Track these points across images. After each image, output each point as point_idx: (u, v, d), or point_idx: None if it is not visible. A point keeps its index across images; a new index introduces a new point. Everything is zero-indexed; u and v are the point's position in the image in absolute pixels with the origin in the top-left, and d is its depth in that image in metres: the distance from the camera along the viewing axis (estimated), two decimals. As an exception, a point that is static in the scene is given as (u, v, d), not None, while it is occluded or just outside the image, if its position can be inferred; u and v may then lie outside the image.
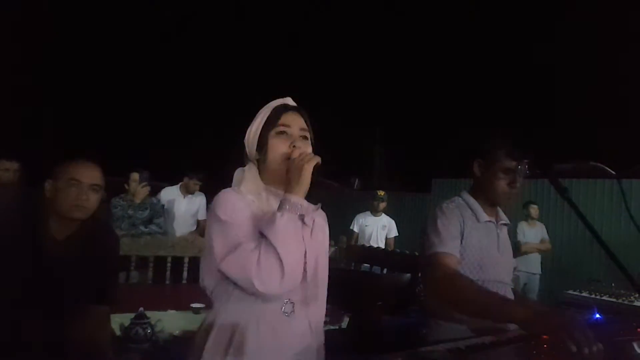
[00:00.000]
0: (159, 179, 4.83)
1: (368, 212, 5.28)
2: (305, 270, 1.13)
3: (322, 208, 1.33)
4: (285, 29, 11.28)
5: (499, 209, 1.76)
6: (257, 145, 1.22)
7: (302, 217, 1.10)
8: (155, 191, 4.30)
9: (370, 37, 11.28)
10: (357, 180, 1.11)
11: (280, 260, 1.04)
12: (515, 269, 3.90)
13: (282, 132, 1.19)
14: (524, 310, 1.24)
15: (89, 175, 1.55)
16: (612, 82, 7.59)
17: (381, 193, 5.24)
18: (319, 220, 1.24)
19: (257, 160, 1.23)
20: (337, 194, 1.33)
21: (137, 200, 3.82)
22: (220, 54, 11.75)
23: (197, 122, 11.24)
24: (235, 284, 1.09)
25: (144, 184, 3.89)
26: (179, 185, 4.57)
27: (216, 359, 1.12)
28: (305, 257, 1.11)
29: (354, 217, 5.34)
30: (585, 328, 1.06)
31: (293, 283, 1.10)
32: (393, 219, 5.35)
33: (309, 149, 1.21)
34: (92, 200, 1.55)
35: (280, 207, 1.10)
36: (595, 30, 7.87)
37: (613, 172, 1.29)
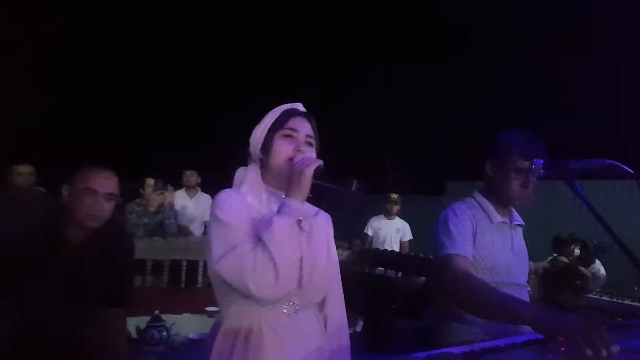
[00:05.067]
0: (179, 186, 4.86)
1: (382, 216, 5.26)
2: (301, 274, 1.12)
3: (335, 211, 1.33)
4: (296, 26, 11.31)
5: (513, 210, 1.74)
6: (262, 146, 1.22)
7: (299, 222, 1.10)
8: None
9: (382, 38, 11.24)
10: (354, 182, 1.09)
11: (275, 264, 1.03)
12: (531, 271, 3.83)
13: (288, 136, 1.20)
14: (537, 312, 1.21)
15: (105, 184, 1.56)
16: (629, 79, 7.45)
17: (394, 196, 5.22)
18: (322, 224, 1.24)
19: (260, 161, 1.23)
20: (336, 197, 1.31)
21: (152, 209, 3.86)
22: (231, 55, 11.83)
23: (213, 125, 11.32)
24: (231, 286, 1.08)
25: (158, 192, 3.93)
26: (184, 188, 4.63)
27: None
28: (301, 261, 1.11)
29: (368, 220, 5.32)
30: (600, 330, 1.03)
31: (287, 287, 1.09)
32: (407, 222, 5.32)
33: (314, 155, 1.21)
34: (107, 209, 1.57)
35: (278, 211, 1.10)
36: (613, 27, 7.74)
37: (631, 172, 1.26)
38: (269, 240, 1.05)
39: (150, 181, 4.01)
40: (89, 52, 11.08)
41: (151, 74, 11.56)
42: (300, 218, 1.10)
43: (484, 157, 1.68)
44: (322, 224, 1.26)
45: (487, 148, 1.70)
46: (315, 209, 1.19)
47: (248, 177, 1.22)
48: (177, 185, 4.52)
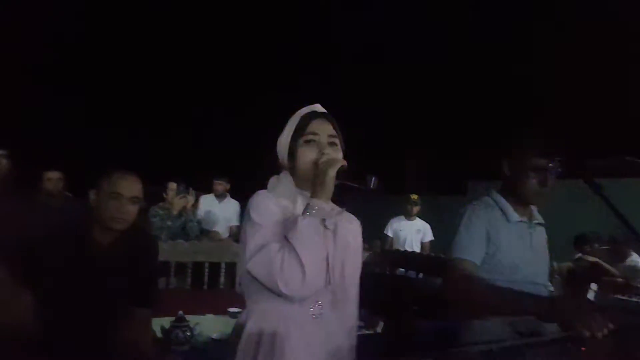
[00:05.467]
0: (202, 190, 4.95)
1: (402, 217, 5.24)
2: (329, 272, 1.13)
3: (356, 212, 1.34)
4: (318, 27, 11.33)
5: (534, 209, 1.72)
6: (288, 154, 1.24)
7: (323, 221, 1.11)
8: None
9: (404, 38, 11.17)
10: (373, 179, 1.10)
11: (302, 263, 1.06)
12: (554, 272, 3.73)
13: (310, 141, 1.21)
14: (538, 301, 1.28)
15: (130, 188, 1.63)
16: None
17: (414, 197, 5.19)
18: (348, 224, 1.24)
19: (290, 168, 1.26)
20: (358, 196, 1.34)
21: (175, 212, 3.95)
22: (258, 59, 11.91)
23: (237, 131, 11.43)
24: (263, 285, 1.11)
25: (181, 195, 4.02)
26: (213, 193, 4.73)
27: (247, 359, 1.15)
28: (327, 259, 1.12)
29: (388, 221, 5.31)
30: (595, 312, 1.11)
31: (315, 285, 1.11)
32: (428, 222, 5.28)
33: (339, 155, 1.22)
34: (132, 212, 1.64)
35: (304, 212, 1.12)
36: (631, 23, 7.52)
37: (653, 168, 1.25)
38: (295, 239, 1.08)
39: (173, 185, 4.10)
40: (112, 56, 11.32)
41: (176, 78, 11.74)
42: (324, 217, 1.11)
43: (501, 156, 1.68)
44: (353, 229, 1.27)
45: (505, 146, 1.70)
46: (339, 208, 1.20)
47: (281, 183, 1.25)
48: (200, 189, 4.61)
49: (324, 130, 1.22)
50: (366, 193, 1.13)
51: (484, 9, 9.82)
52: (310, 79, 10.79)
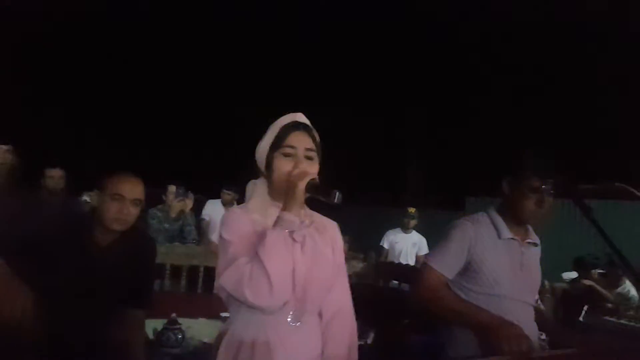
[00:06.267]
0: (203, 193, 4.95)
1: (399, 229, 5.25)
2: (294, 284, 1.15)
3: (352, 224, 1.36)
4: (325, 45, 11.42)
5: (530, 229, 1.76)
6: (265, 163, 1.25)
7: (291, 233, 1.14)
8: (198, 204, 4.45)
9: (406, 52, 11.27)
10: (337, 194, 1.12)
11: (268, 274, 1.08)
12: (546, 290, 3.74)
13: (287, 154, 1.21)
14: (482, 319, 1.47)
15: (132, 190, 1.66)
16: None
17: (412, 210, 5.20)
18: (318, 235, 1.25)
19: (267, 177, 1.26)
20: (327, 209, 1.36)
21: (173, 215, 3.97)
22: (261, 66, 11.96)
23: (241, 135, 11.40)
24: (235, 298, 1.14)
25: (179, 199, 4.04)
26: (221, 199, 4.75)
27: None
28: (294, 272, 1.14)
29: (384, 233, 5.32)
30: (520, 332, 1.29)
31: (283, 296, 1.14)
32: (425, 236, 5.30)
33: (314, 169, 1.22)
34: (133, 213, 1.66)
35: (274, 225, 1.15)
36: (628, 48, 7.63)
37: (639, 194, 1.29)
38: (262, 252, 1.10)
39: (172, 188, 4.13)
40: (120, 56, 11.36)
41: (187, 82, 11.76)
42: (293, 229, 1.14)
43: (502, 175, 1.72)
44: (326, 239, 1.27)
45: (504, 166, 1.75)
46: (310, 219, 1.23)
47: (256, 192, 1.27)
48: (197, 192, 4.62)
49: (302, 143, 1.22)
50: (330, 207, 1.15)
51: (492, 30, 9.92)
52: (319, 93, 10.83)
